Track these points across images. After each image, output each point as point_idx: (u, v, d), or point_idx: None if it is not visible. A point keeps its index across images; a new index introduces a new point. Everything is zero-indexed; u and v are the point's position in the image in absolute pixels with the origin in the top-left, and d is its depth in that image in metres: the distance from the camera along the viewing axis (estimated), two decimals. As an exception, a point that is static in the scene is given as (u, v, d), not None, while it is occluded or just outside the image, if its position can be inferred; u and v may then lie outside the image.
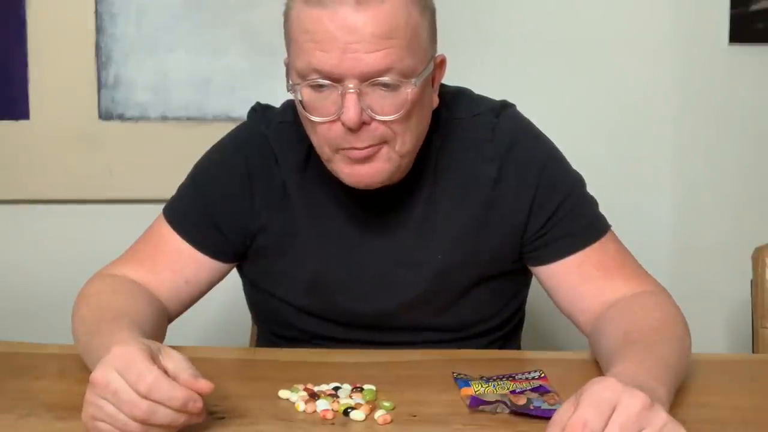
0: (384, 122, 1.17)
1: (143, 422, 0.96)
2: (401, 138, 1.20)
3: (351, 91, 1.14)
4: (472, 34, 2.04)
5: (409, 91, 1.17)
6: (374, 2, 1.13)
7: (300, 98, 1.19)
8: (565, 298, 1.31)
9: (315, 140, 1.23)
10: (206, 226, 1.33)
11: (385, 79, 1.15)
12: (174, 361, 1.00)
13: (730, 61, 2.05)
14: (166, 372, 0.98)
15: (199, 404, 0.98)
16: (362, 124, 1.16)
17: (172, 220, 1.34)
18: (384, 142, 1.19)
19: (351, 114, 1.15)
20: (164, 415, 0.97)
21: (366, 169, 1.21)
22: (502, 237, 1.32)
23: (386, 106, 1.17)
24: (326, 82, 1.15)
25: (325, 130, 1.19)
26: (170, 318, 1.33)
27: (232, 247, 1.35)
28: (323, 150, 1.22)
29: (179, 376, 0.98)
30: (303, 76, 1.17)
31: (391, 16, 1.14)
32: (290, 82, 1.21)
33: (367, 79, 1.14)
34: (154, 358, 0.99)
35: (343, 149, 1.19)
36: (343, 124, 1.16)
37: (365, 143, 1.18)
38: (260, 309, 1.46)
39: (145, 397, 0.95)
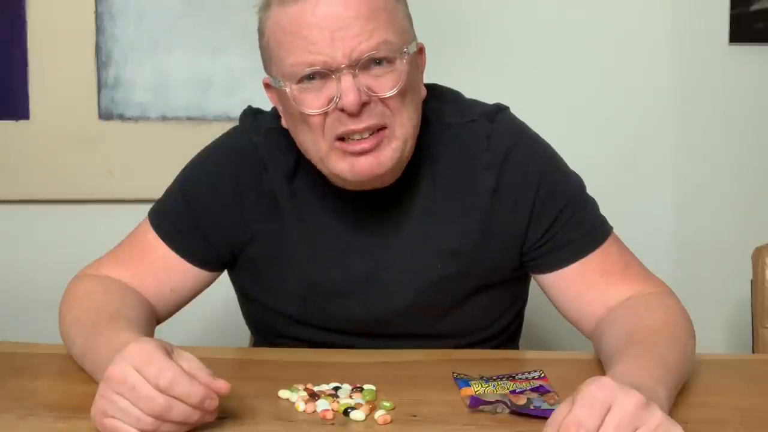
0: (384, 101, 1.17)
1: (158, 417, 0.97)
2: (399, 119, 1.19)
3: (345, 73, 1.15)
4: (471, 35, 2.04)
5: (404, 62, 1.18)
6: None
7: (291, 95, 1.18)
8: (570, 306, 1.30)
9: (308, 138, 1.21)
10: (193, 236, 1.32)
11: (376, 52, 1.15)
12: (188, 361, 1.00)
13: (730, 61, 2.05)
14: None
15: (216, 402, 1.00)
16: (362, 106, 1.16)
17: (159, 228, 1.33)
18: (383, 127, 1.18)
19: (351, 97, 1.15)
20: (180, 411, 0.97)
21: (368, 159, 1.19)
22: (502, 247, 1.31)
23: (384, 83, 1.17)
24: (317, 68, 1.15)
25: (320, 121, 1.18)
26: (158, 321, 1.33)
27: (219, 257, 1.34)
28: (319, 146, 1.20)
29: (197, 375, 0.99)
30: (292, 73, 1.17)
31: None
32: (279, 82, 1.20)
33: (359, 58, 1.15)
34: (169, 356, 0.99)
35: (342, 139, 1.18)
36: (343, 109, 1.16)
37: (364, 123, 1.17)
38: (254, 318, 1.46)
39: (164, 392, 0.96)
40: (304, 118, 1.19)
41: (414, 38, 1.24)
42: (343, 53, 1.14)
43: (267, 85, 1.26)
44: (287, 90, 1.18)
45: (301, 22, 1.15)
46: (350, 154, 1.19)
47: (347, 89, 1.15)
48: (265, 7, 1.21)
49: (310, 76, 1.16)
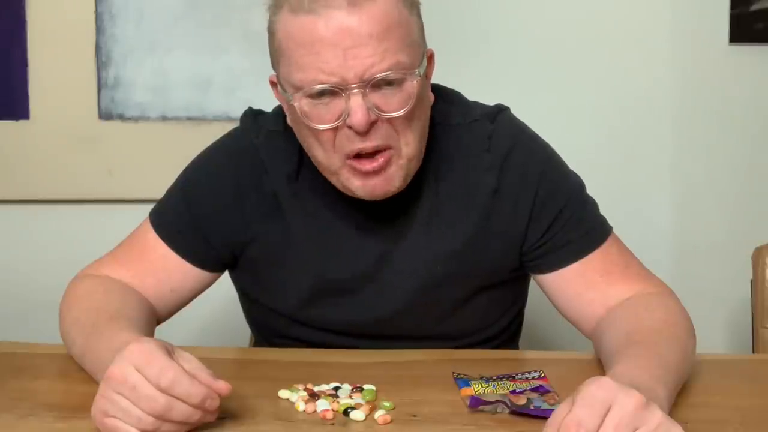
0: (390, 120, 1.16)
1: (159, 417, 0.97)
2: (404, 139, 1.19)
3: (355, 92, 1.13)
4: (470, 35, 2.04)
5: (414, 83, 1.16)
6: (366, 1, 1.13)
7: (299, 109, 1.17)
8: (570, 306, 1.30)
9: (319, 152, 1.20)
10: (194, 237, 1.32)
11: (388, 74, 1.14)
12: (188, 362, 1.00)
13: (730, 61, 2.05)
14: None
15: (216, 402, 1.00)
16: (370, 125, 1.15)
17: (160, 228, 1.33)
18: (389, 147, 1.18)
19: (359, 115, 1.13)
20: (181, 411, 0.97)
21: (379, 180, 1.19)
22: (502, 247, 1.31)
23: (393, 103, 1.16)
24: (328, 87, 1.14)
25: (329, 137, 1.18)
26: (158, 321, 1.33)
27: (219, 257, 1.34)
28: (331, 161, 1.20)
29: (198, 375, 0.99)
30: (302, 88, 1.16)
31: (384, 14, 1.14)
32: (286, 93, 1.19)
33: (371, 79, 1.13)
34: (170, 356, 0.99)
35: (351, 157, 1.18)
36: (350, 127, 1.15)
37: (372, 143, 1.16)
38: (255, 318, 1.46)
39: (165, 391, 0.96)
40: (314, 132, 1.18)
41: (425, 49, 1.22)
42: (354, 73, 1.13)
43: (273, 83, 1.25)
44: (296, 104, 1.17)
45: (313, 35, 1.13)
46: (362, 174, 1.19)
47: (356, 108, 1.13)
48: (276, 8, 1.18)
49: (320, 93, 1.15)
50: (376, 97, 1.15)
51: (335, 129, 1.17)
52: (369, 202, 1.24)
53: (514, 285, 1.39)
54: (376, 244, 1.30)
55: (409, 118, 1.18)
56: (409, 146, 1.20)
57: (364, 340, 1.33)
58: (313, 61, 1.13)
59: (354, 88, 1.13)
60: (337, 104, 1.15)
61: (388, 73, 1.14)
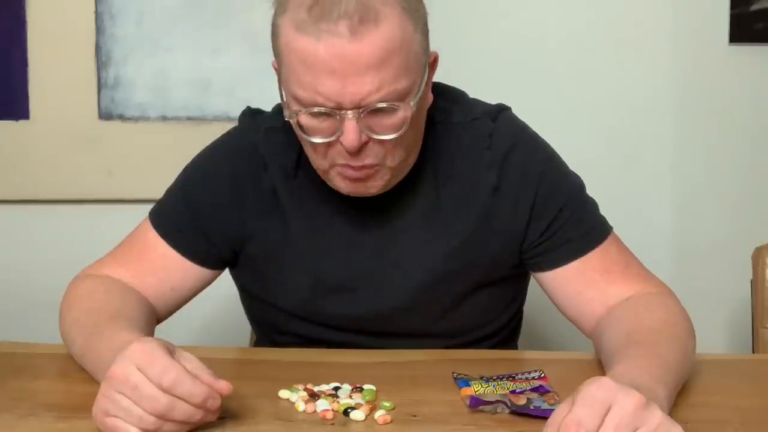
0: (381, 140, 1.17)
1: (161, 417, 0.97)
2: (393, 156, 1.20)
3: (350, 117, 1.14)
4: (471, 34, 2.04)
5: (411, 104, 1.16)
6: (369, 29, 1.11)
7: (296, 120, 1.18)
8: (569, 304, 1.30)
9: (312, 156, 1.22)
10: (194, 235, 1.32)
11: (384, 105, 1.14)
12: (189, 362, 1.00)
13: (730, 61, 2.05)
14: None
15: (218, 402, 1.00)
16: (362, 145, 1.16)
17: (159, 227, 1.33)
18: (377, 164, 1.19)
19: (351, 139, 1.14)
20: (183, 410, 0.98)
21: (363, 185, 1.21)
22: (502, 244, 1.31)
23: (386, 127, 1.16)
24: (325, 110, 1.14)
25: (323, 148, 1.19)
26: (158, 321, 1.33)
27: (219, 255, 1.35)
28: (320, 163, 1.21)
29: (200, 375, 0.99)
30: (301, 104, 1.16)
31: (387, 39, 1.12)
32: (285, 104, 1.19)
33: (366, 105, 1.13)
34: (171, 356, 1.00)
35: (340, 165, 1.19)
36: (342, 144, 1.16)
37: (362, 161, 1.18)
38: (255, 315, 1.46)
39: (167, 391, 0.96)
40: (310, 142, 1.19)
41: (426, 60, 1.21)
42: (351, 101, 1.13)
43: (276, 69, 1.25)
44: (294, 118, 1.17)
45: (315, 57, 1.12)
46: (345, 177, 1.20)
47: (349, 130, 1.14)
48: (280, 10, 1.17)
49: (317, 113, 1.16)
50: (370, 119, 1.15)
51: (329, 142, 1.17)
52: (367, 199, 1.25)
53: (514, 282, 1.40)
54: (374, 241, 1.30)
55: (399, 141, 1.18)
56: (396, 159, 1.20)
57: (365, 336, 1.34)
58: (312, 82, 1.13)
59: (349, 114, 1.14)
60: (332, 122, 1.16)
61: (383, 104, 1.14)
